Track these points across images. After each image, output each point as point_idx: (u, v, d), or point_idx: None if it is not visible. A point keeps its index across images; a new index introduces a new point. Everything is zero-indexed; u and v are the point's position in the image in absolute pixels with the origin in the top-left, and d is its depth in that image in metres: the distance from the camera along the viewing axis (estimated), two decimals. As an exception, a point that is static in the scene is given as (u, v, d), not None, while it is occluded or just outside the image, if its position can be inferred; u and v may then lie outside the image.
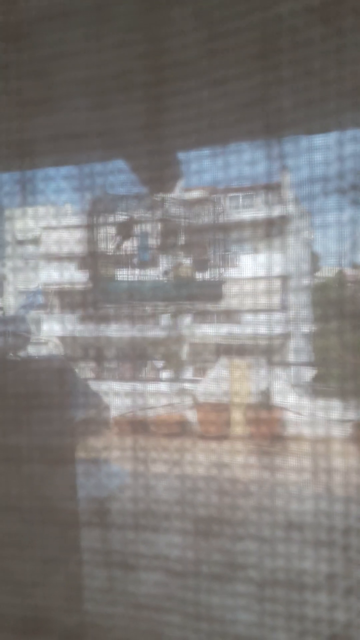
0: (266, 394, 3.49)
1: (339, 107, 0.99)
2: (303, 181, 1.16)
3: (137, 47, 1.29)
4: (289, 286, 3.44)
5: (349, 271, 1.65)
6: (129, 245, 2.78)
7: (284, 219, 2.15)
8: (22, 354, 2.97)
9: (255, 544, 1.49)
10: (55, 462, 1.64)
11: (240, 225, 2.92)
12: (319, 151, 1.05)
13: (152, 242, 2.83)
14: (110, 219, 2.53)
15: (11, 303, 3.85)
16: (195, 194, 2.74)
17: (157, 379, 4.24)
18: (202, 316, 4.28)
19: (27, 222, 2.78)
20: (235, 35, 1.09)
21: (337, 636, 1.19)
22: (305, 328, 3.43)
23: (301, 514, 1.45)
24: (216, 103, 1.20)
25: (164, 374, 4.31)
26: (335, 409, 1.97)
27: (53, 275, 3.86)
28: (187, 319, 4.28)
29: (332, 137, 1.03)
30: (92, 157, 1.53)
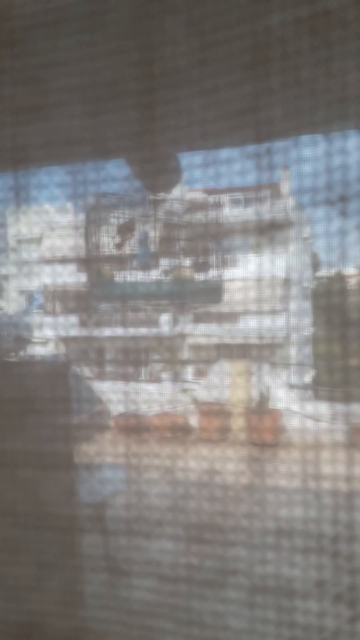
0: (265, 396, 3.49)
1: (328, 116, 0.99)
2: (295, 191, 1.17)
3: (130, 55, 1.30)
4: (289, 288, 3.44)
5: (347, 272, 1.66)
6: (129, 246, 2.79)
7: (283, 223, 2.15)
8: (21, 354, 2.98)
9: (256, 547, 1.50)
10: (53, 466, 1.65)
11: (238, 228, 2.92)
12: (308, 162, 1.06)
13: (152, 243, 2.83)
14: (109, 220, 2.54)
15: (11, 304, 3.86)
16: (194, 197, 2.74)
17: (157, 380, 4.25)
18: (201, 317, 4.28)
19: (26, 223, 2.79)
20: (226, 44, 1.09)
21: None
22: (305, 330, 3.44)
23: (300, 520, 1.45)
24: (208, 111, 1.21)
25: (164, 375, 4.31)
26: (335, 412, 1.97)
27: (52, 276, 3.87)
28: (186, 321, 4.28)
29: (320, 147, 1.03)
30: (86, 163, 1.53)
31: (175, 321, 4.29)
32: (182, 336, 4.31)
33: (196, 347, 4.37)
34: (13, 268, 3.46)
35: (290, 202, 2.31)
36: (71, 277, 3.21)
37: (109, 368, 3.89)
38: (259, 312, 3.03)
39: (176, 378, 4.28)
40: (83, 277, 2.64)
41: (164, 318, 4.25)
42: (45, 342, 3.92)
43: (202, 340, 4.32)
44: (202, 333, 4.27)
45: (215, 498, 1.74)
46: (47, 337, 3.99)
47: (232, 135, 1.24)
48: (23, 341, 3.06)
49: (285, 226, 2.24)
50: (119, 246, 2.73)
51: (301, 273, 3.22)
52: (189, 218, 2.75)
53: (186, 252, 2.87)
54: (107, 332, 3.29)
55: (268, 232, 1.99)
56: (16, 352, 2.81)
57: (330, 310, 1.55)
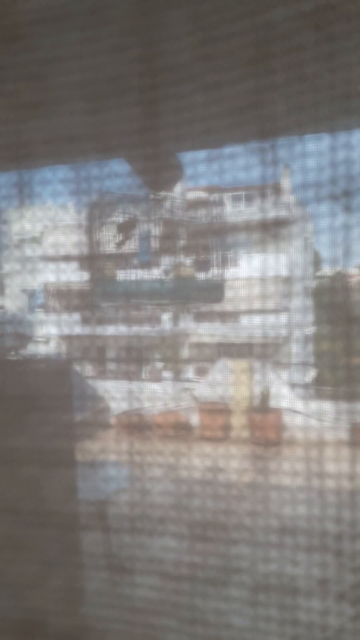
0: (266, 395, 3.48)
1: (331, 112, 0.98)
2: (298, 186, 1.16)
3: (132, 51, 1.29)
4: (290, 286, 3.43)
5: (349, 271, 1.65)
6: (130, 245, 2.79)
7: (284, 222, 2.15)
8: (23, 353, 2.98)
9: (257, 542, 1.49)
10: (54, 464, 1.64)
11: (240, 226, 2.91)
12: (311, 157, 1.05)
13: (153, 242, 2.83)
14: (111, 219, 2.54)
15: (12, 303, 3.86)
16: (195, 195, 2.74)
17: (158, 379, 4.24)
18: (203, 316, 4.28)
19: (27, 223, 2.79)
20: (228, 40, 1.08)
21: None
22: (306, 329, 3.43)
23: (303, 518, 1.45)
24: (210, 107, 1.20)
25: (165, 374, 4.31)
26: (335, 411, 1.97)
27: (54, 275, 3.86)
28: (187, 319, 4.27)
29: (324, 142, 1.02)
30: (89, 159, 1.53)
31: (176, 319, 4.28)
32: (184, 334, 4.30)
33: (198, 346, 4.36)
34: (15, 266, 3.45)
35: (292, 200, 2.30)
36: (73, 275, 3.20)
37: (110, 366, 3.89)
38: (261, 311, 3.02)
39: (178, 376, 4.27)
40: (85, 275, 2.63)
41: (166, 316, 4.24)
42: (47, 341, 3.92)
43: (204, 339, 4.32)
44: (203, 331, 4.26)
45: (218, 496, 1.73)
46: (49, 335, 3.99)
47: (235, 131, 1.23)
48: (25, 339, 3.06)
49: (287, 224, 2.23)
50: (120, 244, 2.73)
51: (303, 271, 3.21)
52: (190, 216, 2.75)
53: (187, 250, 2.86)
54: (108, 330, 3.29)
55: (269, 230, 1.97)
56: (18, 350, 2.81)
57: (332, 308, 1.54)
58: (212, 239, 2.71)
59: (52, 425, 1.72)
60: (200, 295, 2.92)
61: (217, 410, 3.66)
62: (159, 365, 4.30)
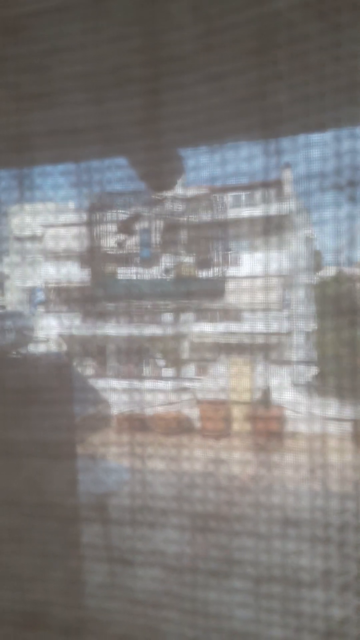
0: (267, 392, 3.48)
1: (336, 102, 0.98)
2: (302, 177, 1.16)
3: (134, 41, 1.29)
4: (292, 283, 3.43)
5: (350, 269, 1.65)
6: (131, 242, 2.78)
7: (285, 217, 2.14)
8: (23, 351, 2.98)
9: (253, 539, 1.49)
10: (55, 459, 1.65)
11: (241, 222, 2.91)
12: (316, 147, 1.05)
13: (154, 239, 2.82)
14: (111, 216, 2.53)
15: (12, 300, 3.85)
16: (196, 191, 2.73)
17: (159, 377, 4.24)
18: (203, 314, 4.27)
19: (26, 218, 2.79)
20: (232, 30, 1.08)
21: (333, 633, 1.19)
22: (307, 326, 3.43)
23: (304, 510, 1.45)
24: (213, 98, 1.20)
25: (166, 372, 4.31)
26: (335, 407, 1.97)
27: (54, 272, 3.86)
28: (188, 317, 4.27)
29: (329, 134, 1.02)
30: (91, 152, 1.52)
31: (177, 318, 4.28)
32: (185, 333, 4.30)
33: (199, 344, 4.36)
34: (15, 264, 3.45)
35: (295, 194, 2.29)
36: (73, 274, 3.19)
37: (111, 363, 3.89)
38: (262, 309, 3.02)
39: (179, 375, 4.27)
40: (86, 273, 2.63)
41: (167, 315, 4.24)
42: (47, 340, 3.91)
43: (205, 338, 4.31)
44: (204, 330, 4.26)
45: (220, 487, 1.73)
46: (49, 334, 3.98)
47: (239, 122, 1.23)
48: (25, 339, 3.06)
49: (289, 219, 2.22)
50: (121, 243, 2.72)
51: (305, 268, 3.21)
52: (191, 213, 2.74)
53: (189, 248, 2.86)
54: (109, 329, 3.29)
55: (272, 227, 1.97)
56: (18, 349, 2.81)
57: (333, 304, 1.54)
58: (214, 236, 2.70)
59: (54, 422, 1.72)
60: (202, 293, 2.92)
61: (217, 410, 3.66)
62: (160, 362, 4.29)
